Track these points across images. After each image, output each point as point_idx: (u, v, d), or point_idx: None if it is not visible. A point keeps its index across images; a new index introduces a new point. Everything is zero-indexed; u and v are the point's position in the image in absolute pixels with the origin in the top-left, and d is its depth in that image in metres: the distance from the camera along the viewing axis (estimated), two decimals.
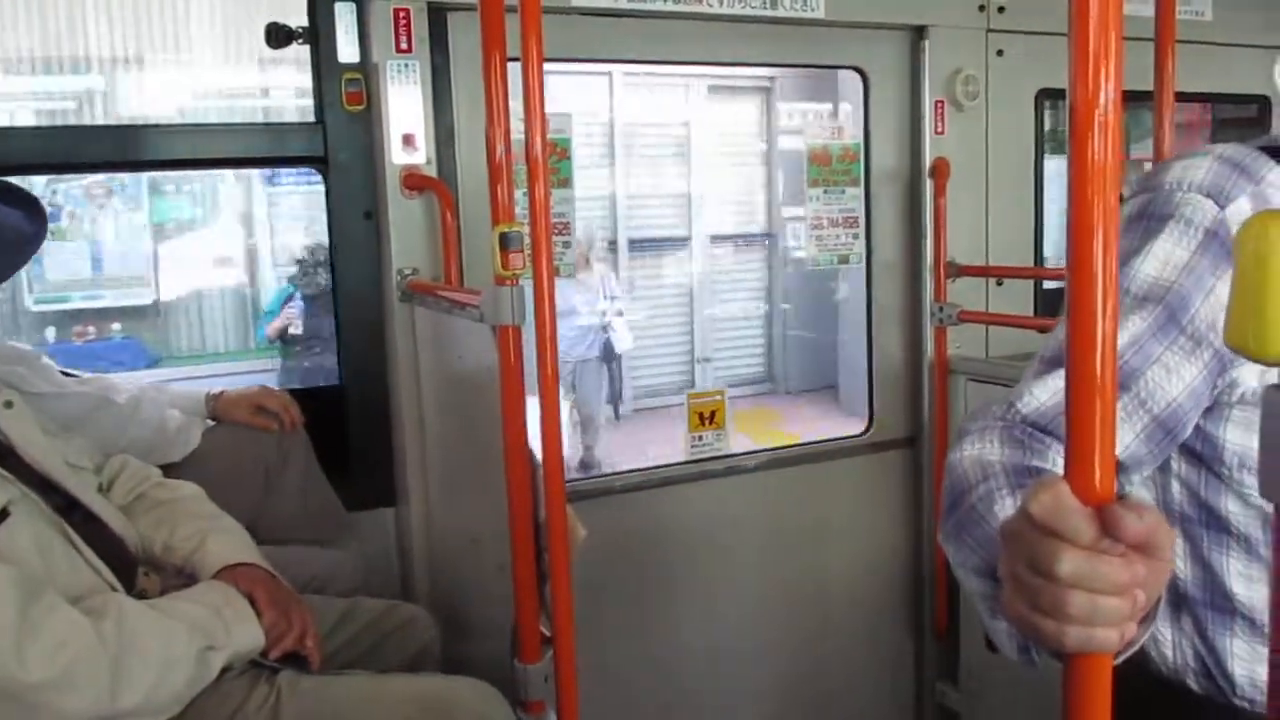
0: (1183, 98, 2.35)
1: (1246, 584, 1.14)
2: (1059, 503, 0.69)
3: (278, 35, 2.32)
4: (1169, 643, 1.21)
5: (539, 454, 1.77)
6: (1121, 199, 1.16)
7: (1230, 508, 1.13)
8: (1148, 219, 1.10)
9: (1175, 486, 1.17)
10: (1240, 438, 1.08)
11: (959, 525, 0.99)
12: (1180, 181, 1.10)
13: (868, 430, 3.10)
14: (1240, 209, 1.06)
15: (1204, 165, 1.10)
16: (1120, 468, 1.05)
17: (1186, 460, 1.14)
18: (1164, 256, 1.07)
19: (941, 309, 2.93)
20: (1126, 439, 1.04)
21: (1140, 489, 1.18)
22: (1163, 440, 1.06)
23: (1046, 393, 1.06)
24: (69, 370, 2.21)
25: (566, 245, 2.61)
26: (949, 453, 1.08)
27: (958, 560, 0.99)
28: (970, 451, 1.04)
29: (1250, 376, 1.07)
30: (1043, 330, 2.93)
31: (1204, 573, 1.16)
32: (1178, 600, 1.19)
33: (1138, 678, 1.20)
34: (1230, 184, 1.08)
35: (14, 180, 1.96)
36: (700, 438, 2.88)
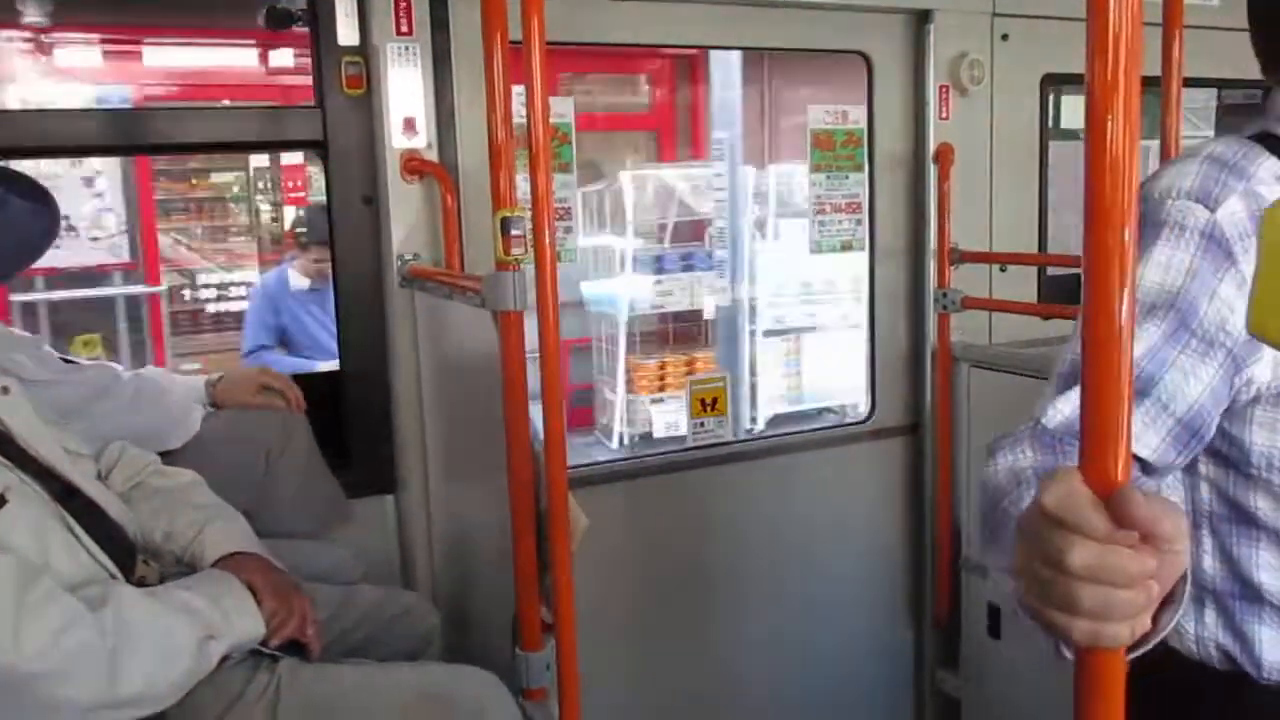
0: (1190, 83, 2.33)
1: (1275, 575, 1.17)
2: (1071, 495, 0.69)
3: (277, 17, 2.31)
4: (1191, 636, 1.24)
5: (540, 440, 1.76)
6: None
7: (1259, 504, 1.16)
8: (1141, 229, 1.12)
9: (1204, 487, 1.20)
10: (1266, 439, 1.12)
11: (993, 531, 1.01)
12: (1169, 189, 1.12)
13: (870, 417, 3.09)
14: (1231, 209, 1.08)
15: (1191, 170, 1.12)
16: (1150, 469, 1.07)
17: (1214, 463, 1.17)
18: (1164, 262, 1.09)
19: (945, 295, 2.92)
20: (1153, 442, 1.06)
21: (1169, 491, 1.20)
22: (1189, 441, 1.08)
23: (1070, 405, 1.07)
24: (69, 357, 2.20)
25: (568, 230, 2.60)
26: (982, 469, 1.09)
27: (994, 565, 1.02)
28: (1003, 463, 1.06)
29: (1264, 372, 1.09)
30: (1046, 316, 2.93)
31: (1232, 567, 1.20)
32: (1201, 595, 1.22)
33: (1160, 658, 1.23)
34: (1219, 186, 1.10)
35: (12, 164, 1.95)
36: (702, 424, 2.87)
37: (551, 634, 1.82)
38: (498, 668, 1.82)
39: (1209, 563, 1.21)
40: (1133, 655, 0.75)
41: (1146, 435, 1.04)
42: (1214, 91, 4.25)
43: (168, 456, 2.01)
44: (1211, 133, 4.74)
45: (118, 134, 2.32)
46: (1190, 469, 1.19)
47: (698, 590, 2.88)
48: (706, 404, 2.87)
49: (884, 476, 3.11)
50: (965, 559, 2.98)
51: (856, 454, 3.07)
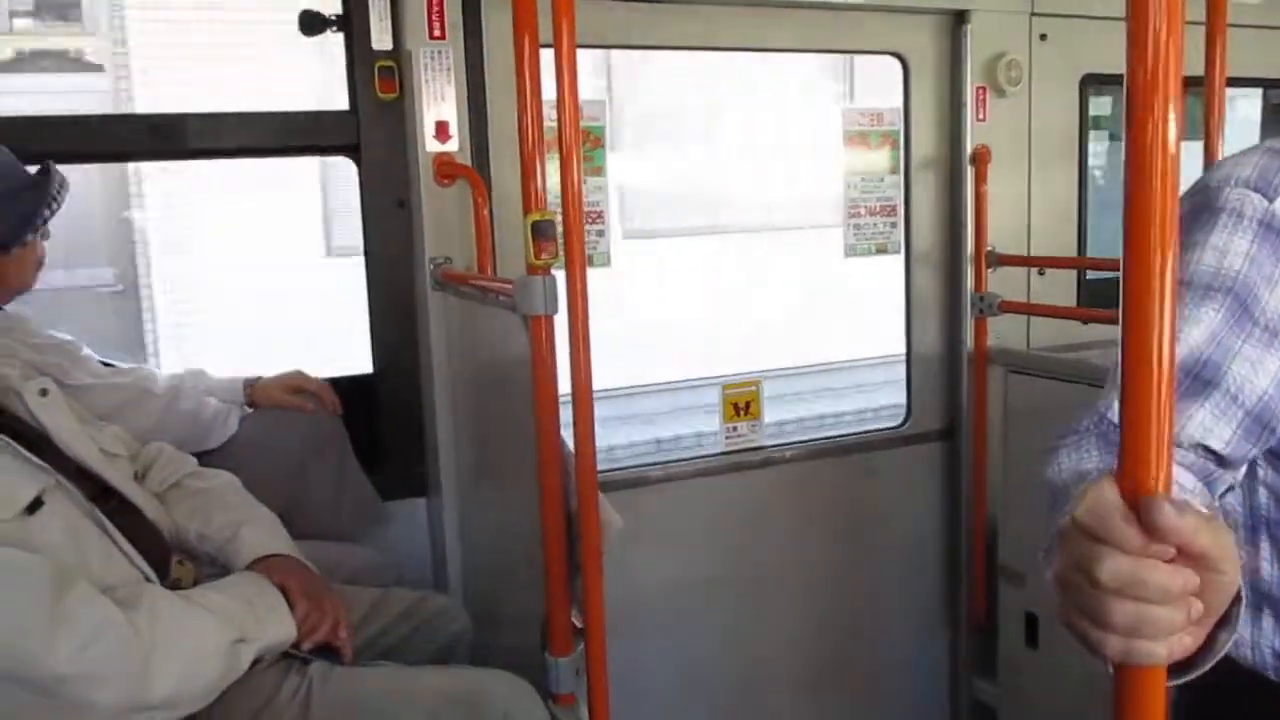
0: (1234, 83, 2.29)
1: None
2: (1101, 504, 0.67)
3: (311, 22, 2.32)
4: (1247, 643, 1.20)
5: (571, 444, 1.76)
6: None
7: None
8: (1198, 214, 1.11)
9: (1262, 492, 1.16)
10: None
11: (1054, 539, 0.97)
12: (1227, 177, 1.11)
13: (905, 422, 3.06)
14: None
15: (1250, 161, 1.11)
16: (1225, 462, 1.04)
17: (1273, 467, 1.14)
18: (1221, 246, 1.07)
19: (982, 299, 2.88)
20: (1226, 435, 1.03)
21: (1229, 498, 1.16)
22: (1261, 433, 1.05)
23: None
24: (108, 361, 2.23)
25: (600, 234, 2.59)
26: (1045, 469, 1.06)
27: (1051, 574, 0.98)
28: (1067, 464, 1.03)
29: None
30: (1085, 320, 2.88)
31: None
32: (1259, 601, 1.19)
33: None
34: (1278, 176, 1.08)
35: None
36: (735, 428, 2.86)
37: (581, 638, 1.81)
38: (527, 672, 1.82)
39: (1267, 570, 1.17)
40: (1184, 679, 0.72)
41: (1219, 428, 1.02)
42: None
43: (204, 457, 2.03)
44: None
45: (153, 139, 2.34)
46: (1249, 473, 1.15)
47: (730, 595, 2.86)
48: (740, 408, 2.85)
49: (920, 481, 3.07)
50: (1002, 565, 2.94)
51: (892, 459, 3.04)
